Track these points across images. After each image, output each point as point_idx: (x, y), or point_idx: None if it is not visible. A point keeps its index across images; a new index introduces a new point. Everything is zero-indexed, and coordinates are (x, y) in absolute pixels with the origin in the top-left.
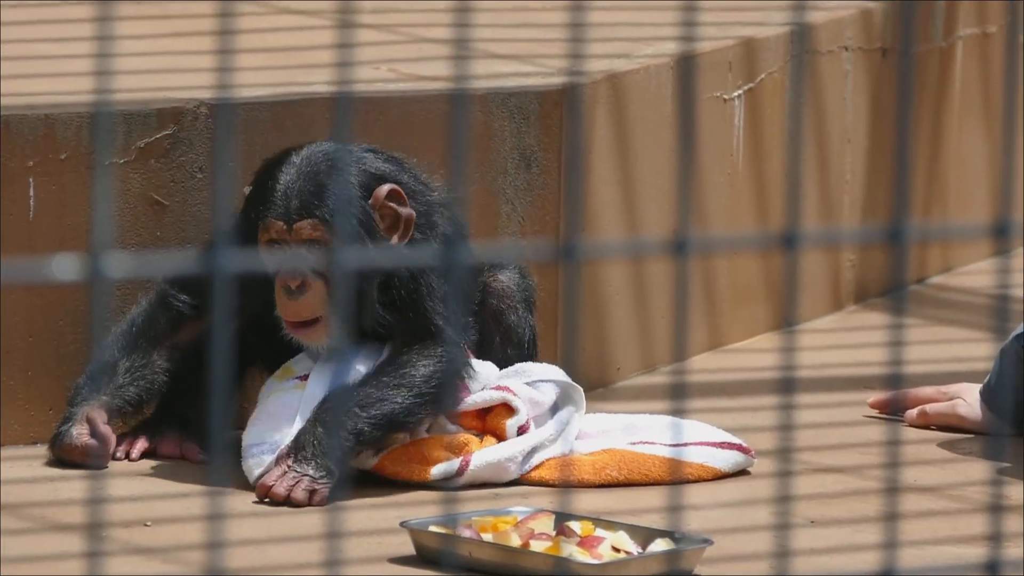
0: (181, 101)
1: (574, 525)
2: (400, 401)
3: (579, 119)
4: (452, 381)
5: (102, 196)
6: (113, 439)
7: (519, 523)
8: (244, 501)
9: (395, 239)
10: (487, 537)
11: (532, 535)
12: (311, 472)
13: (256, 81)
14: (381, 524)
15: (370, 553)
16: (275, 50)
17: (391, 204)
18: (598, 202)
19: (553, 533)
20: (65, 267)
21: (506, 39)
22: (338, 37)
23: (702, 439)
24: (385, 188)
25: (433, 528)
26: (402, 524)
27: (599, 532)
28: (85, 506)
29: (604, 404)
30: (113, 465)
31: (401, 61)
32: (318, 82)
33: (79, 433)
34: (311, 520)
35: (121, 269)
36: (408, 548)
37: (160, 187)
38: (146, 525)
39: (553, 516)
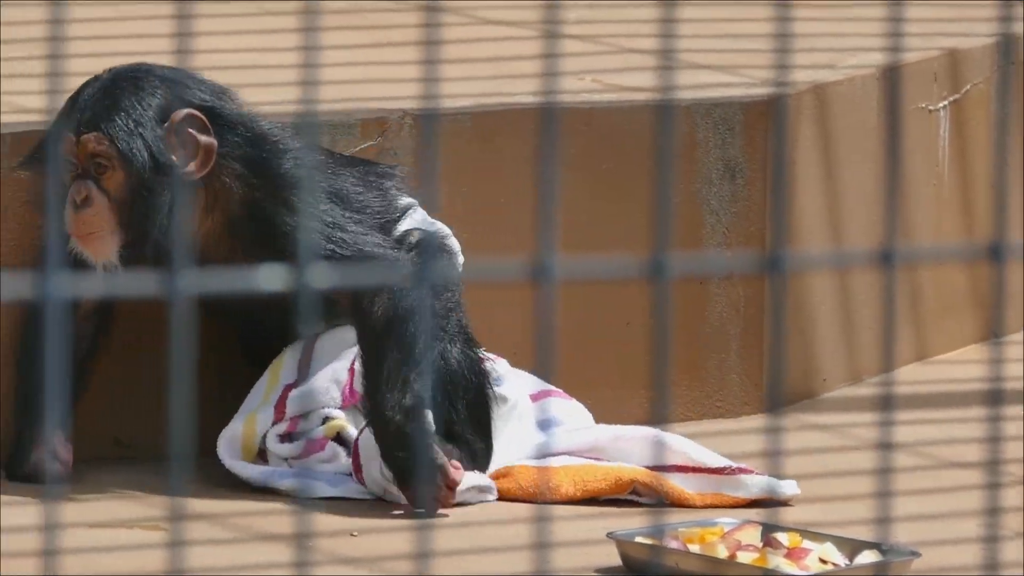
0: (385, 111)
1: (781, 537)
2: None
3: (784, 130)
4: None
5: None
6: (70, 459)
7: (726, 535)
8: (448, 518)
9: (192, 166)
10: (693, 548)
11: (739, 546)
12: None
13: (460, 92)
14: (588, 535)
15: (577, 564)
16: (480, 61)
17: (190, 130)
18: (803, 213)
19: (760, 545)
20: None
21: (711, 50)
22: (543, 48)
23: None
24: (183, 112)
25: (640, 539)
26: (609, 535)
27: (806, 544)
28: (292, 516)
29: (810, 416)
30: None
31: (606, 72)
32: (522, 93)
33: (37, 459)
34: (517, 531)
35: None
36: (615, 559)
37: None
38: (352, 535)
39: (760, 527)
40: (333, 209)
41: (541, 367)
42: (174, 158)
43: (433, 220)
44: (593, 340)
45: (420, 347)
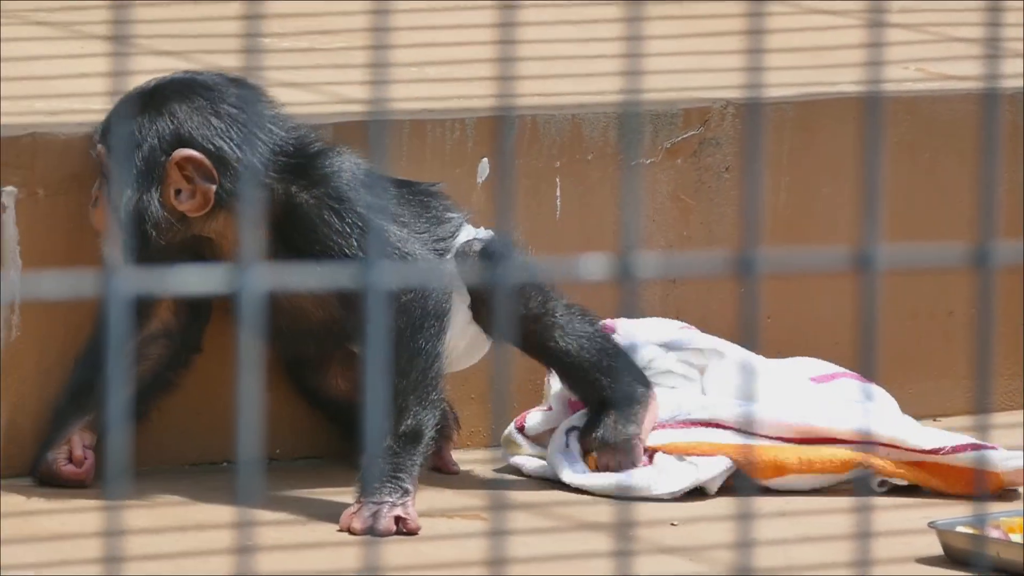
0: (708, 101)
1: None
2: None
3: None
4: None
5: (629, 196)
6: (90, 462)
7: None
8: (769, 502)
9: (189, 205)
10: (1015, 538)
11: None
12: (388, 498)
13: (783, 81)
14: (909, 525)
15: (898, 553)
16: (803, 50)
17: (188, 171)
18: None
19: None
20: (594, 267)
21: None
22: (867, 36)
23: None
24: (183, 153)
25: (961, 528)
26: (930, 524)
27: None
28: (613, 506)
29: None
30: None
31: (930, 60)
32: (845, 82)
33: (54, 459)
34: (835, 521)
35: (650, 269)
36: (936, 548)
37: (687, 187)
38: (673, 524)
39: None
40: (376, 216)
41: (863, 358)
42: (169, 192)
43: (487, 231)
44: (915, 330)
45: (422, 372)
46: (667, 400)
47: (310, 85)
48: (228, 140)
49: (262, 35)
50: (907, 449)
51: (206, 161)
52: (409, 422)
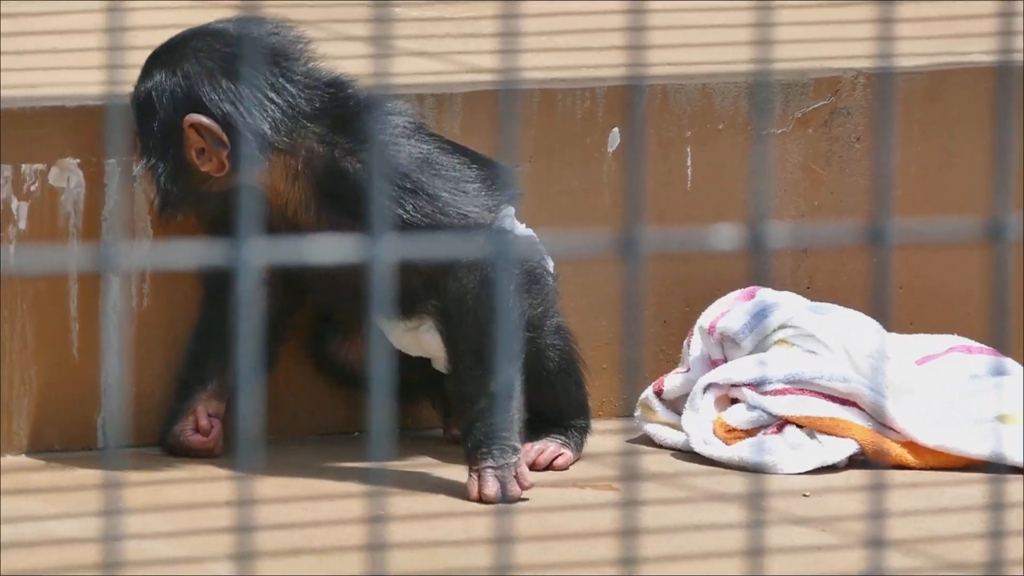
0: (839, 71)
1: None
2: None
3: None
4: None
5: (760, 166)
6: (216, 430)
7: None
8: (902, 474)
9: (208, 167)
10: None
11: None
12: (504, 459)
13: (914, 51)
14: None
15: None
16: (934, 19)
17: (199, 135)
18: None
19: None
20: (725, 237)
21: None
22: (998, 7)
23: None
24: (193, 117)
25: None
26: None
27: None
28: (745, 477)
29: None
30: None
31: None
32: (976, 51)
33: (181, 430)
34: (971, 491)
35: (780, 239)
36: None
37: (817, 157)
38: (805, 495)
39: None
40: (416, 174)
41: (995, 329)
42: (190, 152)
43: (528, 230)
44: None
45: (506, 328)
46: (808, 364)
47: (440, 55)
48: (236, 104)
49: (393, 3)
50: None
51: (214, 127)
52: (500, 379)
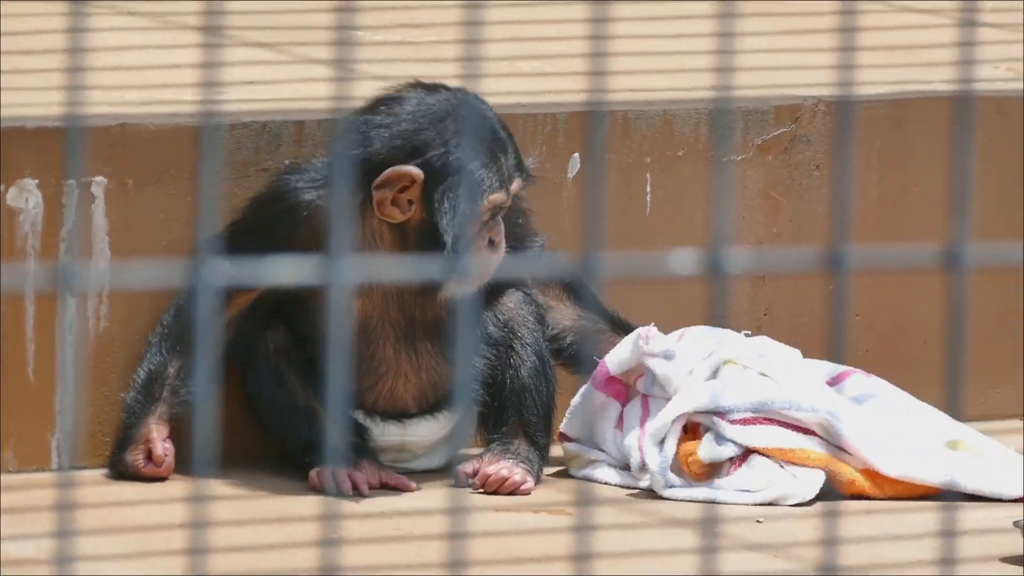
0: (800, 98)
1: None
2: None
3: None
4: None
5: (720, 193)
6: (170, 459)
7: None
8: (854, 501)
9: (398, 214)
10: None
11: None
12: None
13: (875, 79)
14: (993, 524)
15: (982, 552)
16: (895, 48)
17: (392, 190)
18: None
19: None
20: (683, 262)
21: None
22: (960, 35)
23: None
24: (388, 171)
25: None
26: (1015, 524)
27: None
28: (700, 503)
29: None
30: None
31: (1021, 60)
32: (938, 80)
33: (133, 459)
34: (924, 519)
35: (739, 266)
36: (1019, 547)
37: (777, 184)
38: (758, 521)
39: None
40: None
41: (951, 356)
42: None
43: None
44: (1004, 329)
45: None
46: (775, 391)
47: (402, 79)
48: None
49: (355, 27)
50: (992, 499)
51: (412, 174)
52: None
